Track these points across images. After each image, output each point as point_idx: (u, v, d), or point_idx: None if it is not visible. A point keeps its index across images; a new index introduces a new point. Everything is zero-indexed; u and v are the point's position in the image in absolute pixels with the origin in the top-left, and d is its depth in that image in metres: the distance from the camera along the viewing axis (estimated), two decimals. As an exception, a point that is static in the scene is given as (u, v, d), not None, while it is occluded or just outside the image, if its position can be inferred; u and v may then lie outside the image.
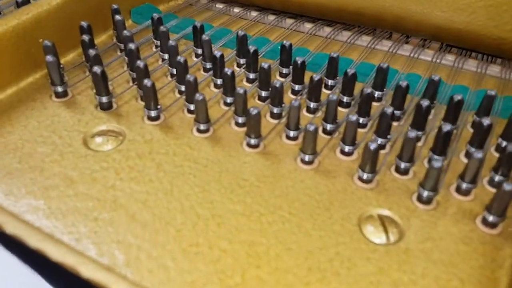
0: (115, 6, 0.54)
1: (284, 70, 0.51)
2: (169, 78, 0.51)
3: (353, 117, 0.39)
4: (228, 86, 0.45)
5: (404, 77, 0.51)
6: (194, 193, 0.37)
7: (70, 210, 0.35)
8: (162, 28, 0.50)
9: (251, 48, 0.47)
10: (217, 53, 0.46)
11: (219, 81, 0.48)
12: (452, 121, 0.43)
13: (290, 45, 0.49)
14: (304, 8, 0.61)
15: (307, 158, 0.39)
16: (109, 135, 0.42)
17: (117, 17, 0.51)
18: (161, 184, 0.38)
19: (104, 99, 0.44)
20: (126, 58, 0.51)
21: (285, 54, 0.49)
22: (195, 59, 0.54)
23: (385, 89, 0.47)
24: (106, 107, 0.45)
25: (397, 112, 0.44)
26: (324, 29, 0.61)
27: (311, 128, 0.38)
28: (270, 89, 0.47)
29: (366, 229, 0.35)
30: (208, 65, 0.51)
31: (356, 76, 0.45)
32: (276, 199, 0.37)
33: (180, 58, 0.45)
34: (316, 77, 0.44)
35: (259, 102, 0.48)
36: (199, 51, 0.53)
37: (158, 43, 0.54)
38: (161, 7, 0.65)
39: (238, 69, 0.52)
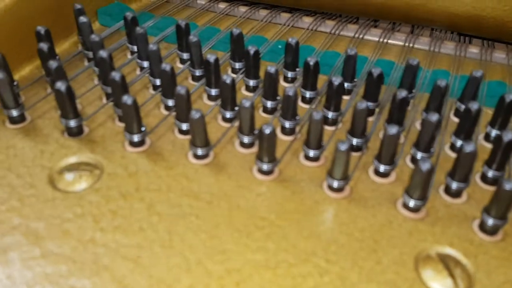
0: (78, 6, 0.45)
1: (290, 74, 0.43)
2: (151, 91, 0.43)
3: (393, 129, 0.31)
4: (228, 97, 0.37)
5: (430, 74, 0.44)
6: (201, 242, 0.29)
7: (37, 277, 0.27)
8: (138, 29, 0.42)
9: (251, 49, 0.40)
10: (210, 58, 0.38)
11: (213, 92, 0.40)
12: (503, 127, 0.36)
13: (297, 44, 0.41)
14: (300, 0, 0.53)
15: (336, 184, 0.32)
16: (82, 170, 0.34)
17: (82, 19, 0.43)
18: (156, 232, 0.29)
19: (72, 123, 0.36)
20: (96, 69, 0.42)
21: (292, 55, 0.42)
22: (180, 65, 0.46)
23: (413, 91, 0.40)
24: (75, 133, 0.37)
25: (435, 119, 0.38)
26: (326, 24, 0.53)
27: (343, 147, 0.30)
28: (277, 98, 0.39)
29: (425, 274, 0.28)
30: (198, 73, 0.43)
31: (383, 77, 0.38)
32: (307, 242, 0.29)
33: (166, 66, 0.37)
34: (336, 80, 0.36)
35: (265, 115, 0.40)
36: (185, 55, 0.45)
37: (134, 48, 0.46)
38: (133, 5, 0.56)
39: (233, 75, 0.44)
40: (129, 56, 0.47)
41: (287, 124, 0.37)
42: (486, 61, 0.48)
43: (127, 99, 0.33)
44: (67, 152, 0.35)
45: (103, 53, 0.38)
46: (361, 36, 0.52)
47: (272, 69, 0.37)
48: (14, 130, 0.37)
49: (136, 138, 0.35)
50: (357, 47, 0.50)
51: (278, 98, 0.39)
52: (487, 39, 0.51)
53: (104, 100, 0.41)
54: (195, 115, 0.32)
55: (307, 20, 0.54)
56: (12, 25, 0.42)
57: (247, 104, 0.34)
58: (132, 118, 0.34)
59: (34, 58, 0.45)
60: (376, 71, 0.37)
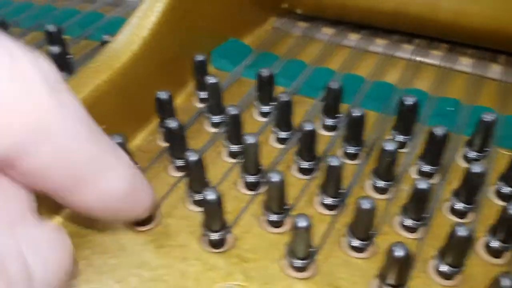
0: (200, 58, 0.38)
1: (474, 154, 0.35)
2: (296, 173, 0.35)
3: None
4: (420, 206, 0.29)
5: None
6: None
7: None
8: (282, 96, 0.34)
9: (438, 131, 0.31)
10: (388, 145, 0.30)
11: (383, 184, 0.32)
12: None
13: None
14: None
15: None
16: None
17: (210, 79, 0.36)
18: None
19: (217, 235, 0.29)
20: (230, 146, 0.35)
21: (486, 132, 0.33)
22: (324, 132, 0.38)
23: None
24: (217, 243, 0.30)
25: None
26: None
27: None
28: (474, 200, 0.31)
29: None
30: (353, 150, 0.35)
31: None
32: None
33: (332, 160, 0.29)
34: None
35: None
36: (331, 122, 0.37)
37: (264, 109, 0.39)
38: (247, 39, 0.48)
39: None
40: (257, 117, 0.39)
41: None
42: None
43: (300, 222, 0.26)
44: (214, 276, 0.28)
45: (251, 139, 0.31)
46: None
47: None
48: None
49: (301, 263, 0.28)
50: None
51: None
52: None
53: (244, 190, 0.34)
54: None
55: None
56: (127, 87, 0.36)
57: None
58: (302, 241, 0.27)
59: (149, 121, 0.38)
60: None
